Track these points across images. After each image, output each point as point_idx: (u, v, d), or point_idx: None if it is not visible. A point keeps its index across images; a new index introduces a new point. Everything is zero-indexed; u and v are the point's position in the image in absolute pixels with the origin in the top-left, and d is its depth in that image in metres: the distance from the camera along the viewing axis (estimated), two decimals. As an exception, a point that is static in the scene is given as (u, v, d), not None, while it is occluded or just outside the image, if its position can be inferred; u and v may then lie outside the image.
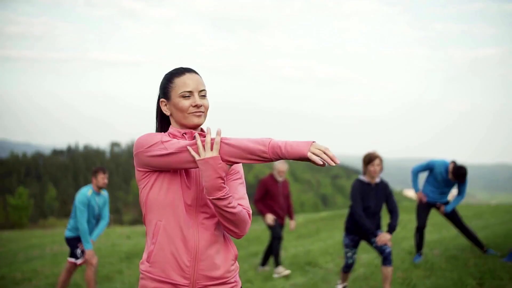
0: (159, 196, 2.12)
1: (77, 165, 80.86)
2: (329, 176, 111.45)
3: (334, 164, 1.91)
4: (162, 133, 2.21)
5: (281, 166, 7.53)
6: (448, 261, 6.90)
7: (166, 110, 2.25)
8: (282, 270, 7.29)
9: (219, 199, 2.04)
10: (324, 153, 1.92)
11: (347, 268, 5.75)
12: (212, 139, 2.05)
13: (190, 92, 2.18)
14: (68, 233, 6.24)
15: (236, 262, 2.29)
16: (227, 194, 2.05)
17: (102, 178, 6.15)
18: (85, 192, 6.09)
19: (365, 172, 5.49)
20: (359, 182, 5.50)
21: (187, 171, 2.16)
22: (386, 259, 5.30)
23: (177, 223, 2.12)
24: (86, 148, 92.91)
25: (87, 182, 72.14)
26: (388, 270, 5.31)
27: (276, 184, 7.52)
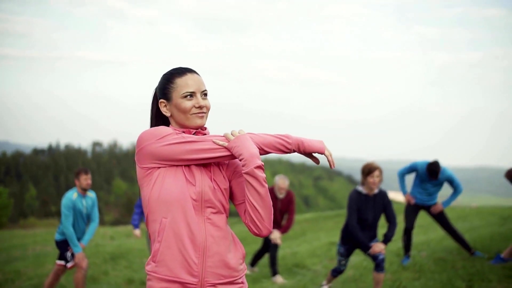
0: (162, 193, 2.07)
1: (58, 164, 79.88)
2: (311, 177, 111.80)
3: (333, 167, 2.24)
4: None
5: (281, 182, 7.22)
6: (436, 263, 6.92)
7: (166, 111, 2.20)
8: (281, 280, 7.14)
9: (260, 167, 2.04)
10: (331, 155, 2.22)
11: (337, 273, 5.72)
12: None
13: (192, 92, 2.14)
14: (57, 236, 6.15)
15: (244, 262, 2.24)
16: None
17: (84, 179, 6.04)
18: (70, 196, 5.99)
19: (363, 183, 5.38)
20: (357, 193, 5.39)
21: (189, 168, 2.11)
22: (378, 265, 5.27)
23: (183, 219, 2.06)
24: (67, 147, 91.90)
25: (68, 182, 71.42)
26: (380, 276, 5.29)
27: (275, 201, 7.22)
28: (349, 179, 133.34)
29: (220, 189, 2.14)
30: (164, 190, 2.07)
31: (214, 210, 2.11)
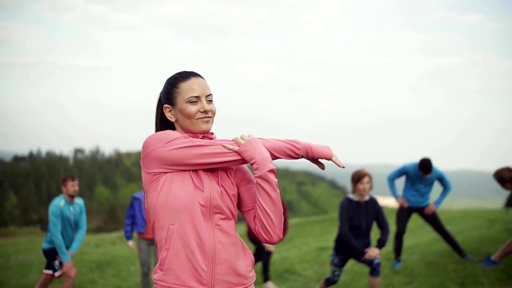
0: (169, 199, 2.00)
1: (39, 172, 78.84)
2: (294, 182, 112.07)
3: (344, 167, 2.26)
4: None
5: None
6: (428, 267, 6.92)
7: (170, 117, 2.15)
8: (273, 286, 7.03)
9: (272, 171, 1.99)
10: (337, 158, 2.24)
11: (331, 283, 5.66)
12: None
13: (197, 97, 2.09)
14: (45, 245, 6.01)
15: (253, 270, 2.18)
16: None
17: (71, 186, 5.93)
18: (57, 203, 5.86)
19: (354, 191, 5.37)
20: (348, 201, 5.36)
21: (197, 173, 2.05)
22: (374, 270, 5.23)
23: (191, 225, 1.99)
24: (49, 154, 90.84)
25: (49, 189, 70.56)
26: (376, 281, 5.25)
27: None
28: (332, 184, 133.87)
29: (228, 194, 2.08)
30: (171, 195, 2.00)
31: (222, 216, 2.05)
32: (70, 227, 5.97)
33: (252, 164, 2.01)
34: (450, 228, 11.09)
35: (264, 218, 2.01)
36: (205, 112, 2.08)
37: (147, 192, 2.07)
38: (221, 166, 2.05)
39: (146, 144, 2.04)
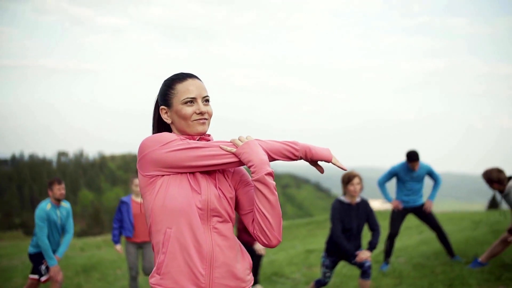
0: (166, 202, 1.96)
1: (21, 175, 77.99)
2: (279, 185, 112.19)
3: (346, 169, 2.21)
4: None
5: None
6: (416, 269, 6.95)
7: (167, 118, 2.12)
8: None
9: (270, 174, 1.96)
10: (337, 160, 2.21)
11: (321, 285, 5.65)
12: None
13: (193, 98, 2.06)
14: (31, 249, 5.92)
15: (251, 273, 2.15)
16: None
17: (58, 189, 5.85)
18: (44, 206, 5.78)
19: (345, 192, 5.36)
20: (339, 203, 5.35)
21: (194, 176, 2.02)
22: (365, 272, 5.23)
23: (189, 228, 1.96)
24: (32, 157, 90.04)
25: (32, 193, 69.78)
26: (367, 283, 5.25)
27: None
28: (317, 187, 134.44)
29: (226, 197, 2.05)
30: (168, 198, 1.97)
31: (220, 219, 2.02)
32: (56, 231, 5.89)
33: (249, 167, 1.98)
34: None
35: (262, 222, 1.98)
36: (201, 113, 2.06)
37: (144, 195, 2.03)
38: (219, 168, 2.03)
39: (142, 147, 2.01)
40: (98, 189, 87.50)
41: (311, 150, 2.13)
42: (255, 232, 2.03)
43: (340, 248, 5.29)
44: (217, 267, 1.98)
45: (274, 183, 1.98)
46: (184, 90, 2.06)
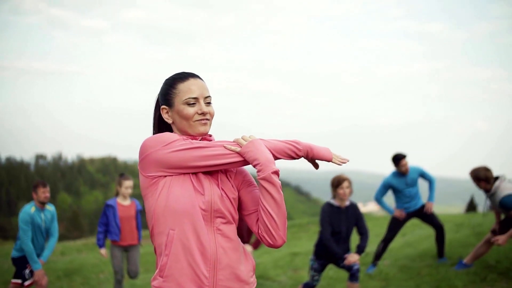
0: (169, 203, 1.92)
1: (-2, 178, 76.73)
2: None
3: (346, 162, 2.18)
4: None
5: None
6: (401, 271, 6.98)
7: (168, 118, 2.09)
8: None
9: (276, 173, 1.94)
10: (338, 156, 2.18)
11: (309, 287, 5.65)
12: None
13: (195, 98, 2.03)
14: (14, 253, 5.80)
15: (254, 275, 2.13)
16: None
17: (42, 192, 5.77)
18: (28, 210, 5.69)
19: (334, 196, 5.37)
20: (329, 206, 5.35)
21: (197, 176, 1.99)
22: (353, 275, 5.24)
23: (193, 230, 1.92)
24: (9, 160, 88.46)
25: (9, 196, 68.64)
26: (355, 286, 5.26)
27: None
28: (297, 190, 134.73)
29: (229, 198, 2.02)
30: (171, 200, 1.93)
31: (224, 220, 1.99)
32: (40, 234, 5.79)
33: (255, 166, 1.96)
34: (420, 232, 11.26)
35: (268, 221, 1.95)
36: (203, 114, 2.03)
37: (145, 196, 2.00)
38: (223, 168, 2.00)
39: (143, 147, 1.97)
40: (77, 192, 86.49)
41: (312, 150, 2.12)
42: (259, 232, 2.00)
43: (329, 251, 5.29)
44: (221, 269, 1.95)
45: (279, 182, 1.96)
46: (186, 90, 2.03)
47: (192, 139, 2.03)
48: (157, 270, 1.97)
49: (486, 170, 6.01)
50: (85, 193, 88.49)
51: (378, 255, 7.22)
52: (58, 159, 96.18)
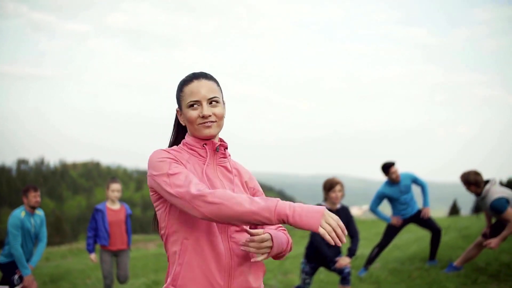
0: (183, 212, 1.88)
1: (-21, 183, 75.61)
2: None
3: (340, 244, 1.73)
4: (174, 151, 1.98)
5: None
6: (392, 274, 6.99)
7: (182, 121, 2.08)
8: None
9: (283, 255, 2.04)
10: (334, 230, 1.72)
11: None
12: None
13: (197, 101, 1.98)
14: (2, 259, 5.68)
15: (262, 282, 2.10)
16: (288, 243, 2.05)
17: (33, 197, 5.68)
18: (18, 214, 5.59)
19: (326, 199, 5.38)
20: None
21: (211, 183, 1.95)
22: (345, 279, 5.23)
23: (207, 238, 1.89)
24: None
25: (-10, 201, 67.63)
26: None
27: None
28: (280, 194, 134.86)
29: None
30: (182, 211, 1.89)
31: (237, 228, 1.96)
32: (30, 239, 5.70)
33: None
34: (408, 236, 11.33)
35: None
36: (204, 117, 1.97)
37: (157, 207, 1.97)
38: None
39: (148, 162, 1.97)
40: (60, 197, 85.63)
41: (288, 218, 1.72)
42: None
43: (320, 254, 5.28)
44: (235, 277, 1.91)
45: (287, 250, 2.09)
46: (189, 93, 1.99)
47: (208, 145, 2.02)
48: (170, 279, 1.93)
49: (476, 174, 6.05)
50: (68, 198, 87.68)
51: (371, 260, 7.23)
52: (40, 164, 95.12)
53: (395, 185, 7.13)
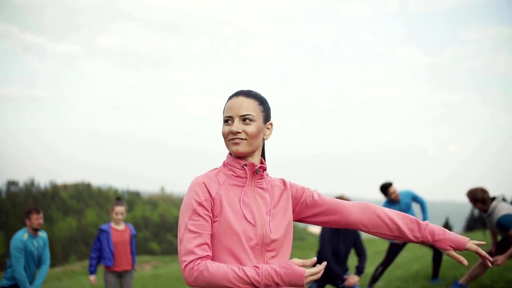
0: (217, 236, 1.86)
1: (-32, 205, 74.75)
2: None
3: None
4: (208, 178, 1.96)
5: None
6: (397, 293, 6.96)
7: None
8: None
9: None
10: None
11: None
12: None
13: (229, 117, 1.99)
14: (4, 282, 5.58)
15: None
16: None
17: (36, 219, 5.62)
18: (20, 236, 5.53)
19: None
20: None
21: (246, 207, 1.93)
22: None
23: (241, 265, 1.83)
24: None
25: (-21, 224, 66.83)
26: None
27: None
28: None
29: (283, 225, 1.99)
30: (219, 232, 1.87)
31: (274, 254, 1.92)
32: (33, 262, 5.62)
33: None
34: (408, 254, 11.30)
35: None
36: (232, 133, 1.96)
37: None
38: None
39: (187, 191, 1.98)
40: (50, 219, 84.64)
41: (273, 278, 1.77)
42: None
43: (329, 271, 5.25)
44: None
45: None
46: (226, 108, 2.02)
47: (248, 166, 2.00)
48: None
49: (483, 191, 6.05)
50: (58, 220, 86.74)
51: (375, 278, 7.21)
52: (30, 185, 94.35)
53: (396, 204, 7.13)
